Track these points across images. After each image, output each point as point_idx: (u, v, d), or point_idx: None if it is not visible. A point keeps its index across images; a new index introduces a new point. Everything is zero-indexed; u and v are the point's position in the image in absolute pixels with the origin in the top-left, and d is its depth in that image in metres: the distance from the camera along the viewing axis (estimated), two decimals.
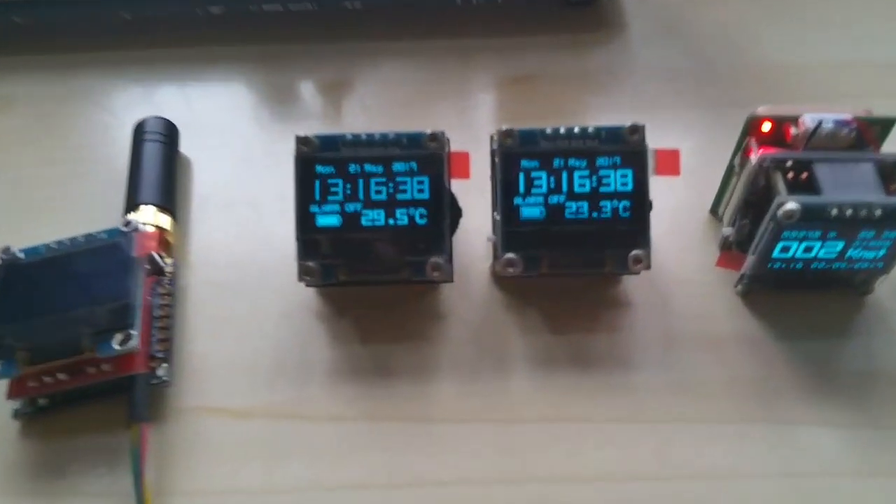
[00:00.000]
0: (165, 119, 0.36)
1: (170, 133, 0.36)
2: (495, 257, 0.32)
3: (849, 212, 0.28)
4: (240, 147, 0.38)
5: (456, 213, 0.31)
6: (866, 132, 0.31)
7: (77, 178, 0.37)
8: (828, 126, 0.30)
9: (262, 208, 0.35)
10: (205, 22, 0.41)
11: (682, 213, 0.35)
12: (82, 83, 0.40)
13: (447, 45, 0.41)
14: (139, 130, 0.36)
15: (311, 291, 0.32)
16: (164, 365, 0.30)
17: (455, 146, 0.31)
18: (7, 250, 0.30)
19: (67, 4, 0.40)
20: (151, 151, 0.35)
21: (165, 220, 0.33)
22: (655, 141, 0.35)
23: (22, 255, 0.30)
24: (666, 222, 0.34)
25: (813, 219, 0.29)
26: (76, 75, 0.40)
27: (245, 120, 0.39)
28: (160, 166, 0.35)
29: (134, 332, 0.29)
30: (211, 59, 0.41)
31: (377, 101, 0.39)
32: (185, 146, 0.37)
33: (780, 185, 0.30)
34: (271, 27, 0.41)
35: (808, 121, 0.30)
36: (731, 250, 0.33)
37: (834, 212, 0.28)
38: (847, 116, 0.31)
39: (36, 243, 0.31)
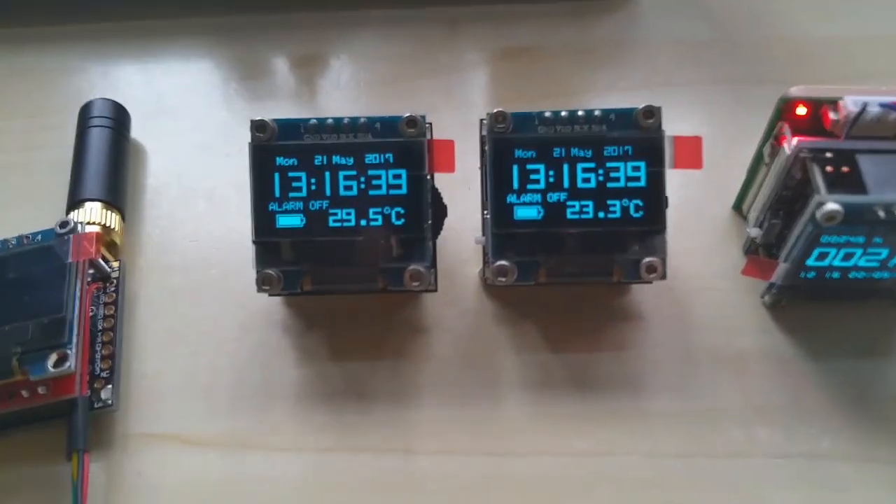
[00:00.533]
0: (114, 101, 0.33)
1: (119, 117, 0.32)
2: (485, 263, 0.28)
3: None
4: (198, 132, 0.34)
5: (440, 211, 0.27)
6: None
7: (21, 168, 0.33)
8: (873, 110, 0.26)
9: (223, 203, 0.32)
10: None
11: (700, 209, 0.31)
12: (28, 59, 0.36)
13: (433, 14, 0.37)
14: (84, 114, 0.32)
15: (275, 300, 0.29)
16: (109, 387, 0.27)
17: (440, 132, 0.27)
18: None
19: None
20: (98, 139, 0.31)
21: (112, 219, 0.30)
22: (670, 125, 0.31)
23: None
24: (682, 220, 0.30)
25: (857, 222, 0.25)
26: (22, 51, 0.36)
27: (205, 100, 0.35)
28: (107, 156, 0.31)
29: (70, 351, 0.25)
30: (169, 32, 0.37)
31: (354, 79, 0.36)
32: (138, 131, 0.33)
33: (819, 181, 0.26)
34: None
35: (850, 104, 0.26)
36: (757, 254, 0.29)
37: (882, 214, 0.25)
38: (895, 98, 0.26)
39: None
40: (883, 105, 0.26)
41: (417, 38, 0.37)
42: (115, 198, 0.30)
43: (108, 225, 0.29)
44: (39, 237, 0.27)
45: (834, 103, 0.27)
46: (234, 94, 0.35)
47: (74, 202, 0.30)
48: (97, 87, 0.35)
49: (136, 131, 0.33)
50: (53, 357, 0.25)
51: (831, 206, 0.24)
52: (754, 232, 0.29)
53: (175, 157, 0.33)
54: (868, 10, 0.37)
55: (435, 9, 0.37)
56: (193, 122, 0.34)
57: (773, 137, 0.28)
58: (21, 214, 0.31)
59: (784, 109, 0.27)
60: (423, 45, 0.36)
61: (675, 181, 0.27)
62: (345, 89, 0.35)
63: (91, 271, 0.28)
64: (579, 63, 0.36)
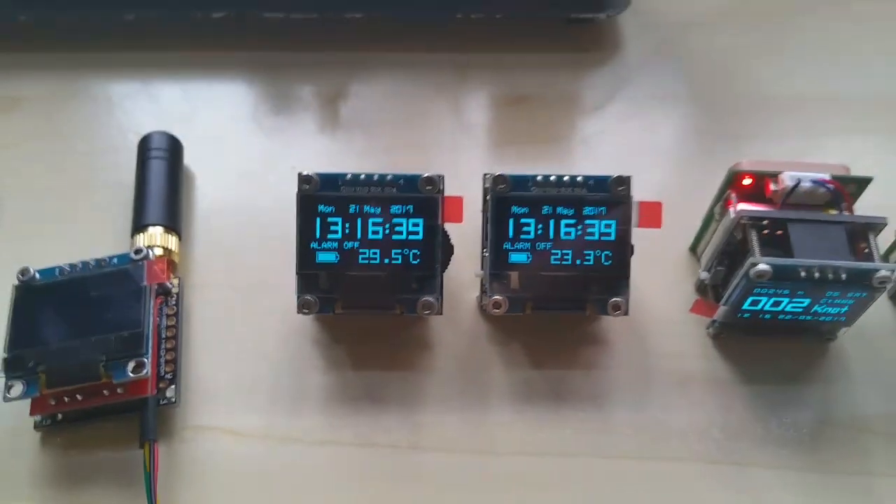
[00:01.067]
0: (169, 134, 0.37)
1: (174, 148, 0.37)
2: (483, 291, 0.33)
3: (817, 274, 0.30)
4: (241, 160, 0.39)
5: (448, 250, 0.33)
6: (842, 190, 0.32)
7: (83, 187, 0.38)
8: (805, 185, 0.32)
9: (263, 225, 0.37)
10: (206, 26, 0.41)
11: (664, 247, 0.36)
12: (86, 84, 0.41)
13: (445, 59, 0.42)
14: (144, 147, 0.37)
15: (308, 318, 0.34)
16: (172, 386, 0.32)
17: (447, 167, 0.33)
18: (26, 272, 0.32)
19: (71, 3, 0.40)
20: (157, 169, 0.36)
21: (172, 241, 0.35)
22: (645, 168, 0.37)
23: (38, 277, 0.32)
24: (646, 258, 0.35)
25: (783, 279, 0.30)
26: (80, 76, 0.41)
27: (245, 131, 0.40)
28: (165, 185, 0.36)
29: (146, 360, 0.30)
30: (211, 65, 0.42)
31: (374, 115, 0.41)
32: (189, 157, 0.38)
33: (755, 244, 0.31)
34: (273, 34, 0.42)
35: (787, 179, 0.32)
36: (706, 293, 0.35)
37: (803, 273, 0.30)
38: (825, 176, 0.32)
39: (43, 251, 0.33)
40: (814, 181, 0.32)
41: (429, 80, 0.41)
42: (174, 222, 0.35)
43: (168, 247, 0.34)
44: (115, 261, 0.32)
45: (775, 177, 0.33)
46: (269, 126, 0.40)
47: (139, 226, 0.35)
48: (147, 111, 0.40)
49: (187, 158, 0.38)
50: (132, 364, 0.30)
51: (762, 266, 0.30)
52: (704, 275, 0.35)
53: (221, 183, 0.38)
54: (817, 73, 0.42)
55: (446, 55, 0.42)
56: (235, 150, 0.39)
57: (723, 200, 0.33)
58: (84, 230, 0.36)
59: (733, 179, 0.33)
60: (434, 86, 0.41)
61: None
62: (365, 123, 0.40)
63: (157, 288, 0.33)
64: (569, 111, 0.41)
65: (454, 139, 0.40)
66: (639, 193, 0.32)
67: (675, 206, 0.36)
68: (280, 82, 0.41)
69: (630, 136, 0.40)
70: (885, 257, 0.36)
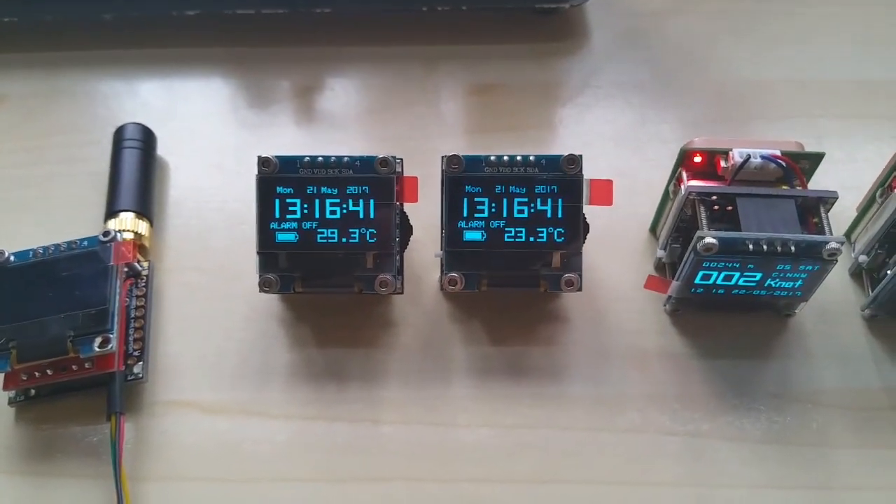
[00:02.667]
0: (143, 126, 0.39)
1: (147, 139, 0.39)
2: (443, 272, 0.34)
3: (765, 246, 0.31)
4: (213, 151, 0.40)
5: (406, 231, 0.34)
6: (793, 165, 0.33)
7: (62, 178, 0.39)
8: (756, 161, 0.32)
9: (233, 214, 0.38)
10: (182, 24, 0.43)
11: (624, 229, 0.37)
12: (65, 81, 0.42)
13: (413, 52, 0.43)
14: (118, 137, 0.38)
15: (273, 297, 0.35)
16: (140, 363, 0.34)
17: (416, 156, 0.34)
18: (1, 254, 0.33)
19: (51, 2, 0.42)
20: (130, 158, 0.38)
21: (143, 227, 0.36)
22: (610, 152, 0.38)
23: (13, 259, 0.33)
24: (606, 239, 0.36)
25: (731, 252, 0.31)
26: (61, 74, 0.43)
27: (220, 124, 0.41)
28: (138, 173, 0.37)
29: (112, 336, 0.32)
30: (188, 60, 0.43)
31: (345, 106, 0.42)
32: (162, 148, 0.40)
33: (703, 218, 0.32)
34: (246, 30, 0.43)
35: (736, 155, 0.33)
36: (664, 271, 0.35)
37: (751, 246, 0.31)
38: (775, 151, 0.33)
39: (22, 237, 0.34)
40: (763, 157, 0.33)
41: (399, 72, 0.42)
42: (145, 208, 0.36)
43: (139, 232, 0.36)
44: (86, 243, 0.33)
45: (725, 154, 0.33)
46: (243, 119, 0.41)
47: (111, 212, 0.36)
48: (126, 107, 0.41)
49: (160, 149, 0.39)
50: (99, 340, 0.31)
51: (708, 239, 0.30)
52: (661, 253, 0.35)
53: (193, 174, 0.39)
54: (782, 58, 0.43)
55: (415, 48, 0.43)
56: (209, 142, 0.40)
57: (675, 178, 0.34)
58: (62, 217, 0.38)
59: (684, 157, 0.33)
60: (403, 78, 0.42)
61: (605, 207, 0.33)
62: (337, 115, 0.41)
63: (126, 270, 0.34)
64: (537, 98, 0.42)
65: (426, 128, 0.41)
66: (604, 177, 0.32)
67: (638, 188, 0.37)
68: (254, 77, 0.43)
69: (596, 121, 0.41)
70: (848, 235, 0.37)
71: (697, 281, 0.32)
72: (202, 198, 0.39)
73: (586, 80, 0.42)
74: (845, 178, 0.36)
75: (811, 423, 0.33)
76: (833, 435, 0.33)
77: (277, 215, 0.33)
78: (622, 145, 0.40)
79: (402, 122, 0.41)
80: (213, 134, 0.41)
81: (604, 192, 0.32)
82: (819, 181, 0.34)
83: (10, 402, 0.33)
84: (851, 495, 0.31)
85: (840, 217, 0.36)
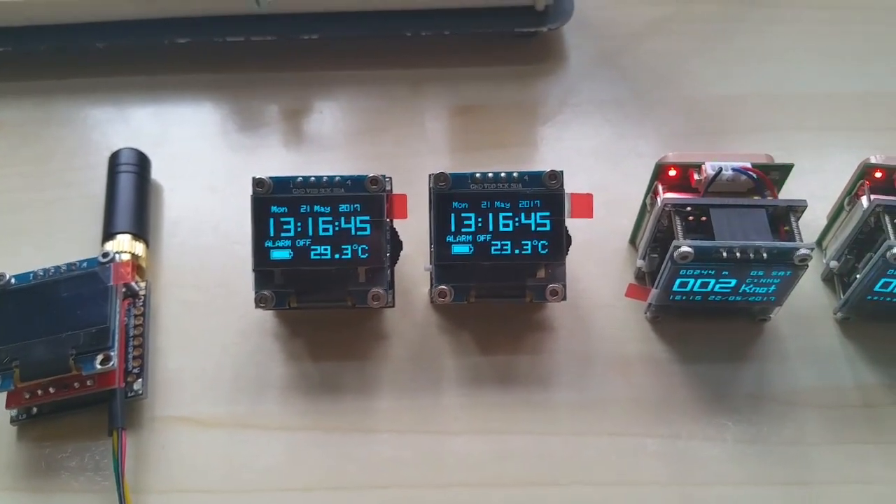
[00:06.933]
0: (138, 150, 0.40)
1: (142, 163, 0.40)
2: (432, 285, 0.35)
3: (738, 254, 0.32)
4: (207, 174, 0.41)
5: (396, 246, 0.35)
6: (763, 177, 0.34)
7: (59, 203, 0.40)
8: (727, 173, 0.34)
9: (225, 233, 0.39)
10: (173, 51, 0.44)
11: (605, 241, 0.39)
12: (61, 108, 0.43)
13: (399, 75, 0.45)
14: (113, 162, 0.39)
15: (267, 313, 0.36)
16: (139, 380, 0.35)
17: (403, 174, 0.35)
18: (2, 277, 0.34)
19: (45, 32, 0.43)
20: (125, 182, 0.39)
21: (139, 248, 0.37)
22: (590, 168, 0.39)
23: (14, 281, 0.34)
24: (589, 251, 0.38)
25: (706, 260, 0.32)
26: (56, 101, 0.44)
27: (211, 147, 0.42)
28: (134, 196, 0.38)
29: (113, 353, 0.33)
30: (179, 87, 0.44)
31: (334, 128, 0.43)
32: (156, 173, 0.41)
33: (679, 229, 0.33)
34: (236, 57, 0.45)
35: (709, 168, 0.34)
36: (644, 281, 0.37)
37: (725, 254, 0.32)
38: (746, 164, 0.34)
39: (23, 261, 0.35)
40: (735, 169, 0.34)
41: (386, 94, 0.44)
42: (141, 230, 0.38)
43: (135, 253, 0.37)
44: (85, 264, 0.35)
45: (698, 167, 0.35)
46: (234, 142, 0.43)
47: (108, 234, 0.37)
48: (120, 132, 0.42)
49: (155, 172, 0.41)
50: (100, 357, 0.32)
51: (684, 248, 0.32)
52: (640, 262, 0.37)
53: (187, 196, 0.40)
54: (752, 74, 0.44)
55: (400, 71, 0.45)
56: (201, 165, 0.41)
57: (651, 192, 0.36)
58: (60, 240, 0.39)
59: (659, 171, 0.35)
60: (390, 100, 0.44)
61: (586, 220, 0.34)
62: (325, 137, 0.43)
63: (125, 290, 0.36)
64: (519, 118, 0.43)
65: (412, 147, 0.42)
66: (585, 191, 0.33)
67: (617, 202, 0.39)
68: (244, 101, 0.44)
69: (575, 138, 0.42)
70: (819, 242, 0.39)
71: (675, 288, 0.34)
72: (196, 219, 0.40)
73: (565, 99, 0.44)
74: (815, 188, 0.38)
75: (788, 422, 0.34)
76: (809, 432, 0.34)
77: (272, 234, 0.34)
78: (601, 160, 0.42)
79: (389, 142, 0.42)
80: (206, 157, 0.42)
81: (584, 205, 0.34)
82: (791, 191, 0.35)
83: (13, 420, 0.34)
84: (828, 489, 0.33)
85: (812, 225, 0.38)
